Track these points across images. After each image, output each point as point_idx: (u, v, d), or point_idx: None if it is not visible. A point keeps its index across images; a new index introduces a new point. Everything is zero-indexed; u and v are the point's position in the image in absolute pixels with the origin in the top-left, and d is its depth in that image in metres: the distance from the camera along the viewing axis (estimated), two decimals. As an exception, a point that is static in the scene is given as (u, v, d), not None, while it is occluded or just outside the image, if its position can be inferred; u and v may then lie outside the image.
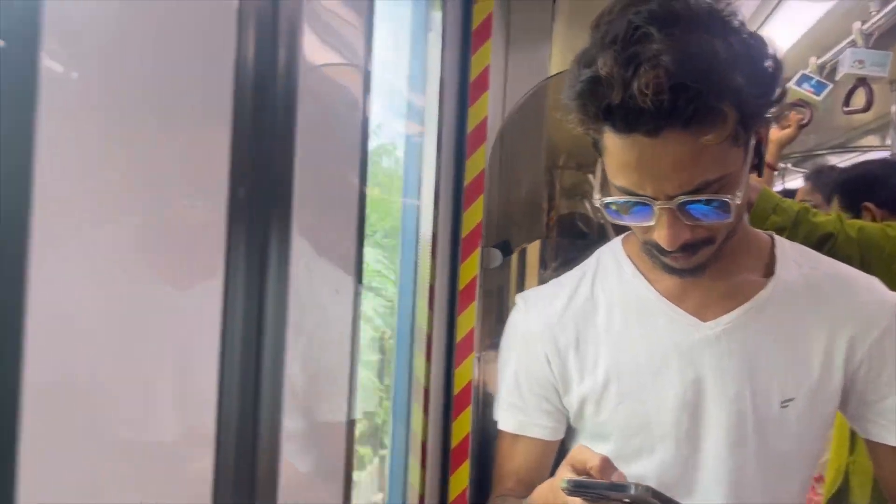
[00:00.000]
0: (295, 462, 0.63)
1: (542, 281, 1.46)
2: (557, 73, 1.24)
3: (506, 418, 0.95)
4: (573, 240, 1.65)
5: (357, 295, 0.75)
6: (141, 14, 0.43)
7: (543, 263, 1.52)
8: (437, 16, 1.00)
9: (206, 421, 0.51)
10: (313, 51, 0.64)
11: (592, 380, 0.88)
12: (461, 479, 1.00)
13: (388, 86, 0.98)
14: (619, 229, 1.57)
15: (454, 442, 1.02)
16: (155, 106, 0.46)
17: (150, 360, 0.47)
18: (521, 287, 1.37)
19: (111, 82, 0.42)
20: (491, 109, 1.08)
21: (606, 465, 0.74)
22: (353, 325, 0.75)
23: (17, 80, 0.35)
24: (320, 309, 0.70)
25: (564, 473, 0.76)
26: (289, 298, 0.60)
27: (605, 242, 1.62)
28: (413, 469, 0.95)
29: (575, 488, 0.73)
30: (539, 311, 0.93)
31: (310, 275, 0.65)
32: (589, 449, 0.78)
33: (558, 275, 1.58)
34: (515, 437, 0.94)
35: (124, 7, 0.43)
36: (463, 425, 1.02)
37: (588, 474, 0.74)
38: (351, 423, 0.75)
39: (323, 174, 0.68)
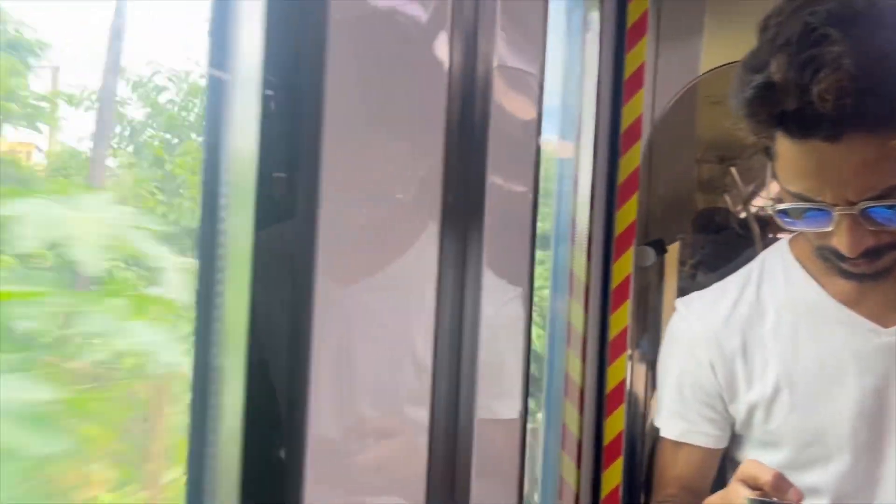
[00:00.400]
0: (482, 453, 0.67)
1: (682, 279, 1.43)
2: (709, 70, 1.22)
3: (668, 426, 0.94)
4: (712, 235, 1.60)
5: (530, 296, 0.78)
6: (379, 42, 0.48)
7: (682, 261, 1.49)
8: (594, 16, 1.01)
9: (421, 415, 0.55)
10: (502, 60, 0.67)
11: (762, 387, 0.86)
12: (614, 475, 1.01)
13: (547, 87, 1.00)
14: (764, 226, 1.51)
15: (607, 439, 1.03)
16: (388, 120, 0.51)
17: (381, 355, 0.52)
18: (661, 285, 1.35)
19: (364, 106, 0.47)
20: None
21: (780, 480, 0.72)
22: (526, 325, 0.78)
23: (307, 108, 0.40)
24: (503, 309, 0.73)
25: (738, 490, 0.76)
26: (483, 300, 0.63)
27: (745, 237, 1.57)
28: (568, 466, 0.97)
29: None
30: (702, 317, 0.92)
31: (495, 278, 0.69)
32: (760, 464, 0.76)
33: (697, 272, 1.55)
34: (678, 444, 0.94)
35: (362, 37, 0.48)
36: (616, 423, 1.03)
37: (761, 489, 0.73)
38: (524, 418, 0.78)
39: (503, 180, 0.71)
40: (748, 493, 0.73)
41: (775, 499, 0.72)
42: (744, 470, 0.76)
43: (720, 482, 0.92)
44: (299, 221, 0.39)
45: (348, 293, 0.46)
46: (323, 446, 0.41)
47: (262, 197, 0.38)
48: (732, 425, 0.91)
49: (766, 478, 0.73)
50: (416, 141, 0.54)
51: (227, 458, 0.37)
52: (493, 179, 0.66)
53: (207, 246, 0.38)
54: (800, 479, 0.78)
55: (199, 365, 0.37)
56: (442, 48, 0.56)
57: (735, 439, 0.92)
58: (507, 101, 0.71)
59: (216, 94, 0.40)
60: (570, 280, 0.99)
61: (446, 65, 0.56)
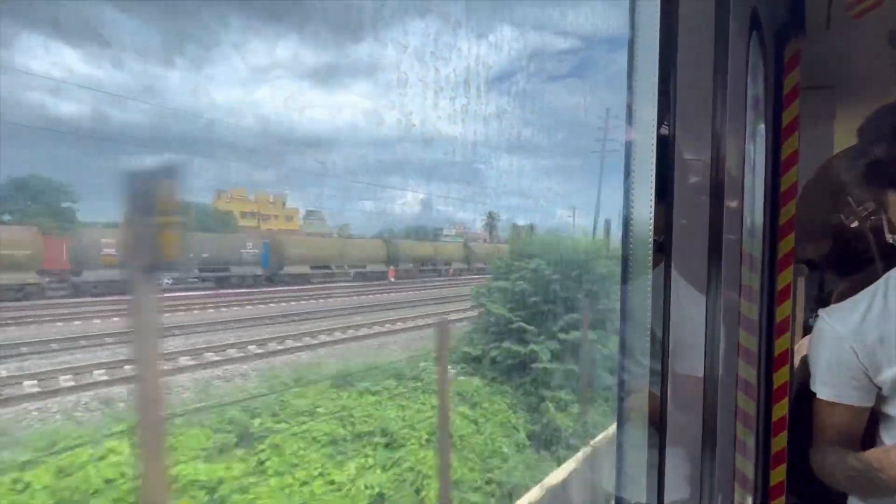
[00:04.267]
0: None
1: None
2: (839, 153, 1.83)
3: (822, 390, 1.28)
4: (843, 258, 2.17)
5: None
6: None
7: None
8: (761, 127, 1.63)
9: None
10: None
11: None
12: (781, 408, 1.60)
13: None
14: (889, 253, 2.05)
15: (776, 384, 1.62)
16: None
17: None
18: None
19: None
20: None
21: None
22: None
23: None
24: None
25: None
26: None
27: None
28: (745, 401, 1.58)
29: None
30: (842, 320, 1.27)
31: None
32: None
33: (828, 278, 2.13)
34: (832, 403, 1.26)
35: None
36: (782, 375, 1.62)
37: None
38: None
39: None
40: None
41: None
42: None
43: (871, 432, 1.27)
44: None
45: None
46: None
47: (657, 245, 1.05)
48: (879, 391, 1.23)
49: None
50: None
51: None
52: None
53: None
54: None
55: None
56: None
57: (885, 400, 1.25)
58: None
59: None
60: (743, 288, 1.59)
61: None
